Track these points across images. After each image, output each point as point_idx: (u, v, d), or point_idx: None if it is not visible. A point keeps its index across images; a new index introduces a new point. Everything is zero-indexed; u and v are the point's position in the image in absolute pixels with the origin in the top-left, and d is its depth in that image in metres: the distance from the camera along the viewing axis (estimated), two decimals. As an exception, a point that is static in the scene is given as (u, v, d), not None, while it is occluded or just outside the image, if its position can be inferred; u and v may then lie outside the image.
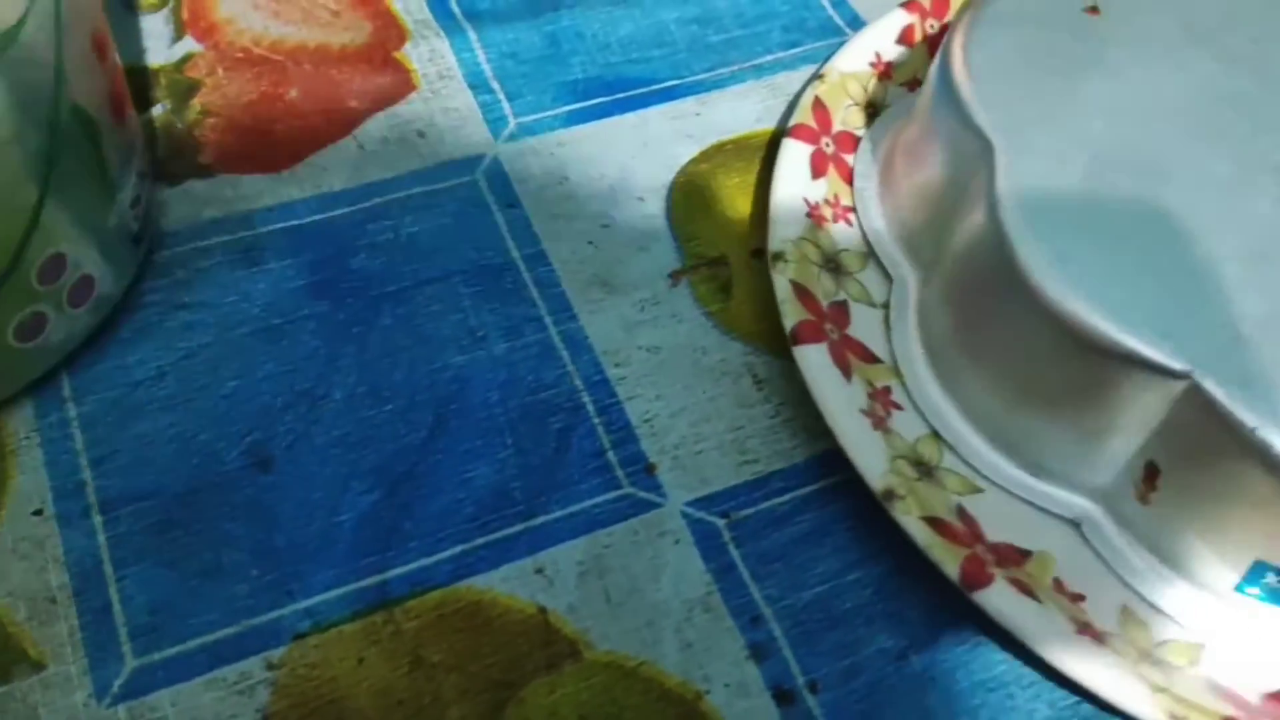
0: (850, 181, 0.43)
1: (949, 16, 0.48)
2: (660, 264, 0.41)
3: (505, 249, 0.41)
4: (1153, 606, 0.33)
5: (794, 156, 0.42)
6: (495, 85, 0.45)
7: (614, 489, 0.36)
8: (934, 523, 0.34)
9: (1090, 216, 0.33)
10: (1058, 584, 0.34)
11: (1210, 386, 0.29)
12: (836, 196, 0.42)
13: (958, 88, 0.36)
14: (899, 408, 0.37)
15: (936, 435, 0.36)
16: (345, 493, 0.35)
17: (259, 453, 0.36)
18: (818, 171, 0.42)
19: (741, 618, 0.34)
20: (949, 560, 0.33)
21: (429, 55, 0.46)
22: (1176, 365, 0.30)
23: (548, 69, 0.46)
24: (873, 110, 0.45)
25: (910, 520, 0.33)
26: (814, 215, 0.41)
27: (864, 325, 0.39)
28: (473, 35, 0.46)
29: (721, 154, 0.44)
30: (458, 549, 0.34)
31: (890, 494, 0.34)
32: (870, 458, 0.35)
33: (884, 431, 0.35)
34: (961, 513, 0.35)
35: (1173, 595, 0.33)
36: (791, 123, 0.42)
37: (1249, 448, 0.28)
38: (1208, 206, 0.33)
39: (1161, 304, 0.31)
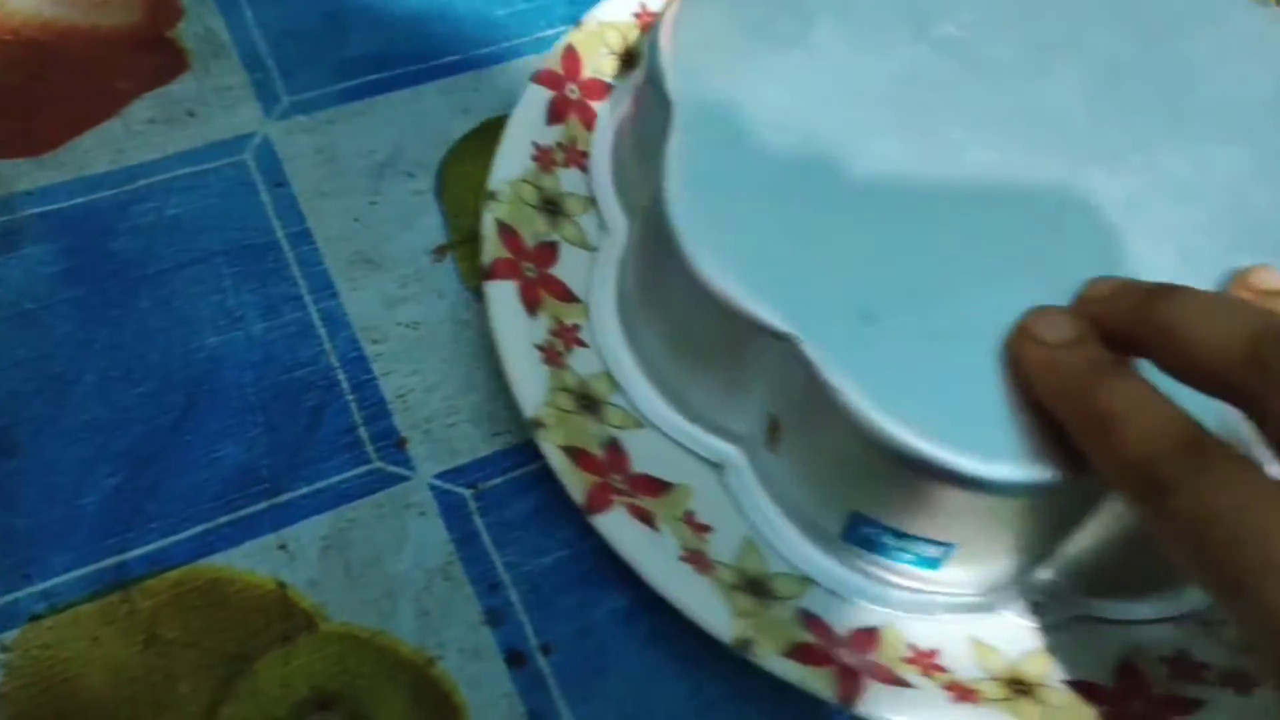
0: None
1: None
2: (426, 240, 0.42)
3: (270, 228, 0.41)
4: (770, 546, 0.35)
5: (532, 100, 0.43)
6: (270, 63, 0.45)
7: (363, 464, 0.37)
8: (574, 452, 0.35)
9: (750, 186, 0.34)
10: (689, 516, 0.35)
11: (809, 350, 0.31)
12: (574, 141, 0.42)
13: (660, 54, 0.37)
14: (583, 344, 0.38)
15: (610, 375, 0.38)
16: (90, 475, 0.36)
17: (4, 438, 0.36)
18: (556, 116, 0.42)
19: (480, 585, 0.35)
20: (576, 486, 0.34)
21: (203, 33, 0.46)
22: (783, 329, 0.31)
23: (325, 45, 0.46)
24: (630, 59, 0.45)
25: (549, 448, 0.35)
26: (540, 158, 0.42)
27: (571, 266, 0.40)
28: (249, 13, 0.46)
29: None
30: (200, 528, 0.35)
31: (538, 423, 0.35)
32: (529, 389, 0.36)
33: (556, 366, 0.37)
34: (614, 445, 0.36)
35: (789, 538, 0.35)
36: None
37: (839, 409, 0.30)
38: (873, 183, 0.34)
39: (795, 272, 0.32)
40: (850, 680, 0.32)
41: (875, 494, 0.32)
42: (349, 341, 0.39)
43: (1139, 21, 0.39)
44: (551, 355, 0.37)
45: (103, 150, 0.42)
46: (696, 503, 0.36)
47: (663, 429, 0.37)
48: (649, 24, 0.46)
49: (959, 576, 0.34)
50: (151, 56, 0.44)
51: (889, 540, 0.33)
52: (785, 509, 0.35)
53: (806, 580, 0.35)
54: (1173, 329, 0.27)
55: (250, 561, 0.35)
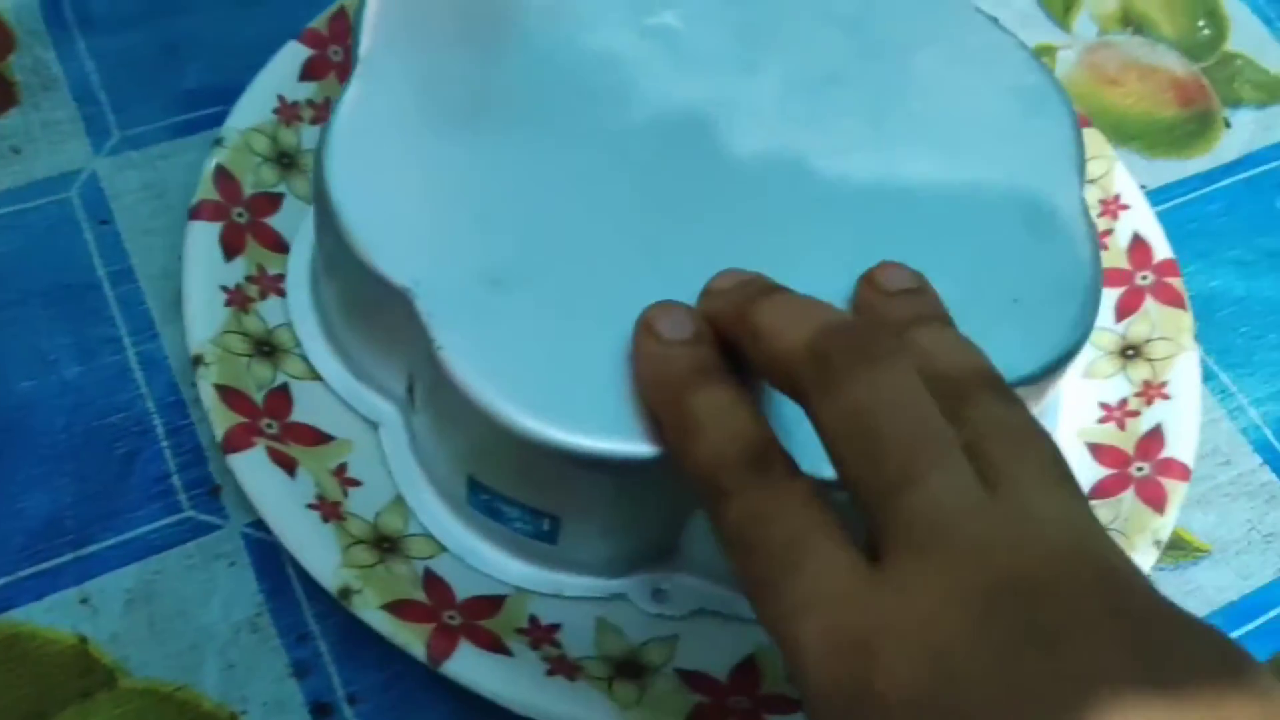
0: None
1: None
2: (254, 279, 0.41)
3: (91, 267, 0.41)
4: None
5: (287, 56, 0.43)
6: (102, 96, 0.45)
7: (175, 513, 0.37)
8: (229, 393, 0.36)
9: (415, 145, 0.34)
10: (340, 469, 0.37)
11: (418, 303, 0.31)
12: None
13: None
14: (282, 294, 0.39)
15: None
16: (-114, 527, 0.35)
17: None
18: (311, 74, 0.42)
19: (289, 636, 0.35)
20: (219, 424, 0.35)
21: (33, 66, 0.45)
22: (403, 284, 0.32)
23: (161, 77, 0.45)
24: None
25: (202, 384, 0.36)
26: (283, 111, 0.42)
27: (294, 219, 0.41)
28: (82, 44, 0.46)
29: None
30: (1, 581, 0.35)
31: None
32: (199, 327, 0.37)
33: (240, 309, 0.38)
34: (281, 392, 0.37)
35: (428, 501, 0.36)
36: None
37: (440, 364, 0.30)
38: (538, 158, 0.35)
39: (433, 232, 0.33)
40: (443, 641, 0.33)
41: (485, 460, 0.33)
42: (167, 385, 0.39)
43: (866, 31, 0.39)
44: (238, 298, 0.38)
45: (-80, 188, 0.41)
46: (353, 459, 0.37)
47: (328, 381, 0.38)
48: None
49: (582, 555, 0.35)
50: (-22, 90, 0.44)
51: (503, 507, 0.34)
52: (426, 471, 0.36)
53: (441, 546, 0.36)
54: (758, 328, 0.27)
55: (51, 616, 0.34)
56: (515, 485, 0.33)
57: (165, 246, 0.41)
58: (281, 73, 0.43)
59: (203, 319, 0.37)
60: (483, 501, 0.34)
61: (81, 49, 0.46)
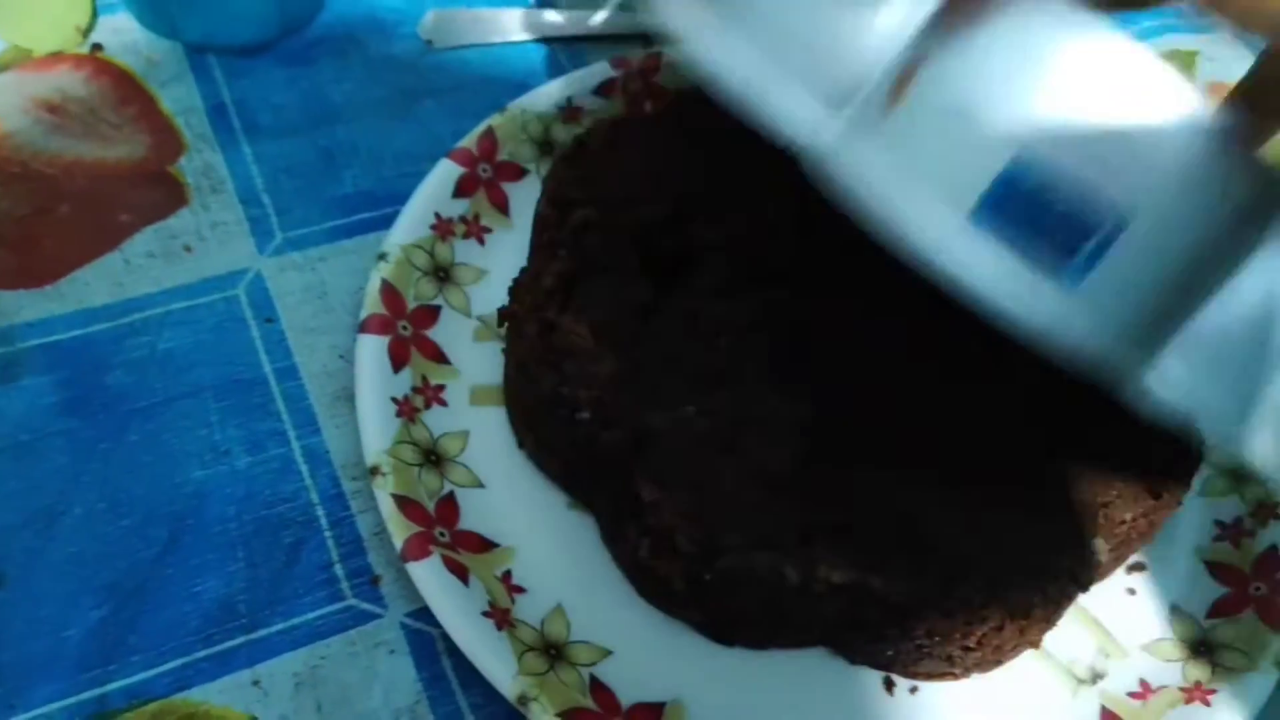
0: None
1: (658, 77, 0.51)
2: (407, 379, 0.44)
3: (258, 363, 0.43)
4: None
5: (441, 174, 0.46)
6: (265, 199, 0.48)
7: (338, 601, 0.39)
8: (404, 502, 0.38)
9: None
10: (506, 576, 0.39)
11: None
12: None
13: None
14: (444, 404, 0.42)
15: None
16: (75, 608, 0.37)
17: (-7, 570, 0.37)
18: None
19: (447, 724, 0.37)
20: (398, 532, 0.37)
21: (203, 169, 0.48)
22: None
23: (319, 183, 0.48)
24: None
25: (380, 494, 0.38)
26: (439, 228, 0.45)
27: (450, 330, 0.44)
28: (248, 149, 0.49)
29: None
30: (179, 662, 0.37)
31: (375, 470, 0.38)
32: (374, 438, 0.39)
33: (408, 420, 0.40)
34: (449, 500, 0.40)
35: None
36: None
37: None
38: None
39: None
40: None
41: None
42: (329, 478, 0.41)
43: None
44: (407, 409, 0.40)
45: (102, 282, 0.44)
46: (517, 564, 0.39)
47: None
48: (574, 117, 0.49)
49: None
50: (153, 190, 0.47)
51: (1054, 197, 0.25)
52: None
53: (604, 650, 0.38)
54: None
55: (225, 696, 0.36)
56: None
57: (326, 346, 0.44)
58: (436, 190, 0.46)
59: (377, 429, 0.40)
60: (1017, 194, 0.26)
61: (247, 154, 0.49)
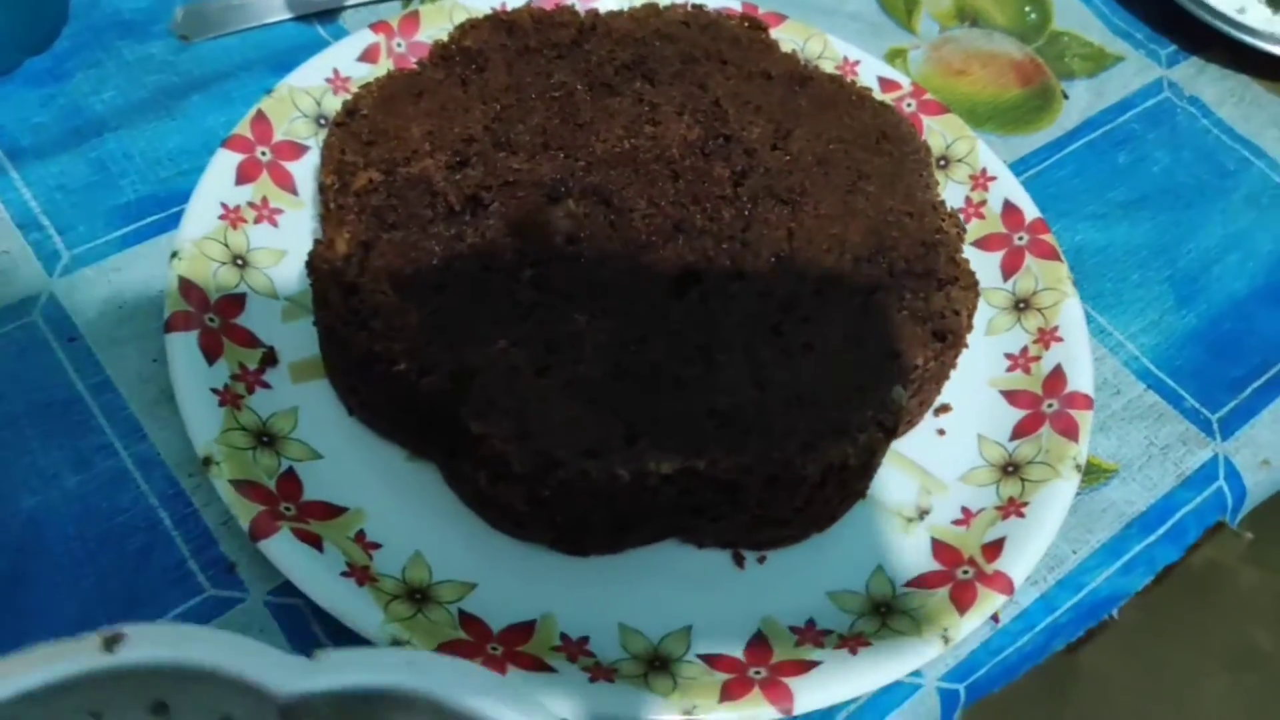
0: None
1: (418, 34, 0.53)
2: (225, 368, 0.44)
3: (69, 382, 0.43)
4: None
5: (220, 165, 0.46)
6: (45, 221, 0.47)
7: (197, 594, 0.39)
8: (244, 485, 0.39)
9: None
10: (360, 535, 0.40)
11: None
12: (265, 199, 0.47)
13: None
14: (266, 385, 0.43)
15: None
16: (-74, 657, 0.37)
17: None
18: (246, 177, 0.47)
19: (327, 687, 0.38)
20: (243, 515, 0.38)
21: (-29, 203, 0.47)
22: None
23: (98, 195, 0.48)
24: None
25: (218, 483, 0.39)
26: (229, 216, 0.46)
27: (259, 315, 0.44)
28: (15, 175, 0.48)
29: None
30: (46, 686, 0.37)
31: (208, 460, 0.39)
32: (201, 430, 0.40)
33: (233, 407, 0.41)
34: (290, 476, 0.41)
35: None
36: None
37: None
38: None
39: None
40: (494, 669, 0.36)
41: None
42: (165, 479, 0.41)
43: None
44: (229, 397, 0.41)
45: (-113, 336, 0.43)
46: (369, 524, 0.41)
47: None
48: (343, 87, 0.50)
49: None
50: (-77, 233, 0.45)
51: None
52: None
53: (468, 585, 0.40)
54: None
55: (101, 709, 0.36)
56: None
57: (136, 353, 0.44)
58: (218, 180, 0.46)
59: (202, 422, 0.40)
60: None
61: (15, 180, 0.48)
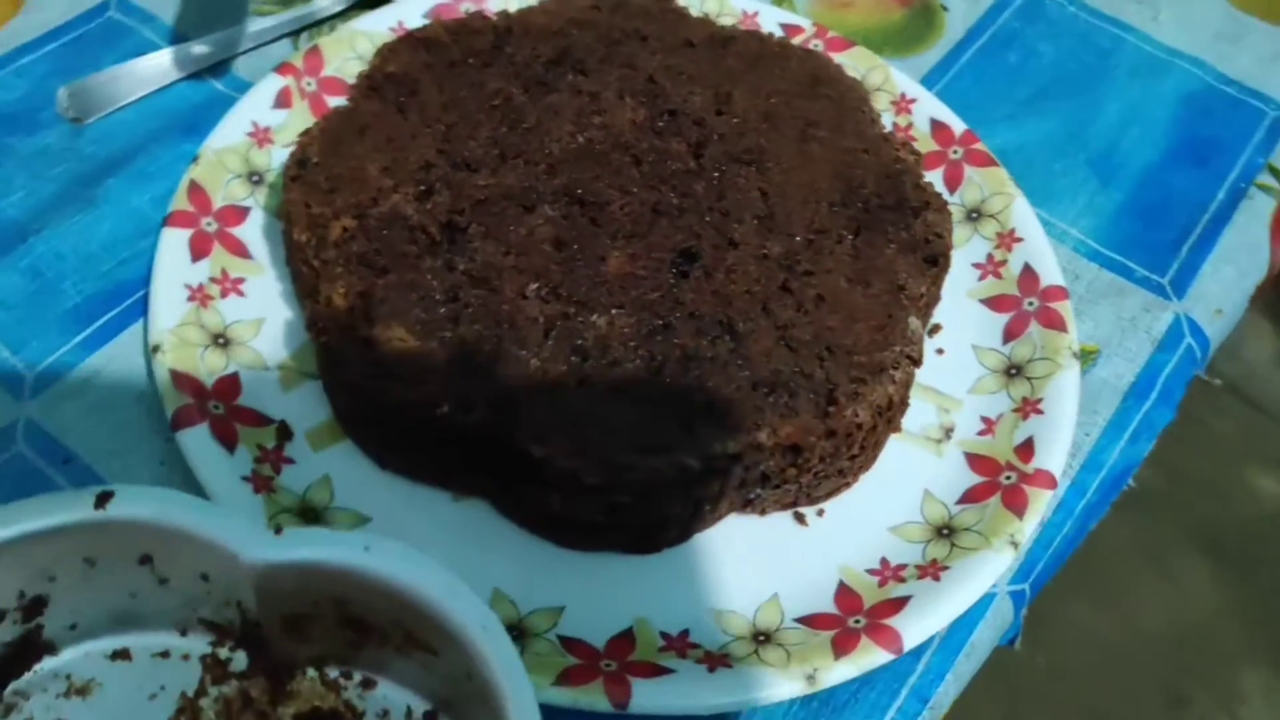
0: (242, 253, 0.46)
1: (325, 69, 0.51)
2: (238, 452, 0.42)
3: (79, 507, 0.40)
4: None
5: (169, 246, 0.45)
6: (-6, 344, 0.44)
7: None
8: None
9: None
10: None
11: None
12: (225, 271, 0.45)
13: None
14: (290, 461, 0.42)
15: (327, 479, 0.41)
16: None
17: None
18: (199, 253, 0.45)
19: None
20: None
21: (-91, 344, 0.43)
22: None
23: (42, 305, 0.45)
24: (258, 178, 0.48)
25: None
26: (196, 297, 0.44)
27: (257, 391, 0.43)
28: (-51, 303, 0.44)
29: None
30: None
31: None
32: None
33: (267, 492, 0.40)
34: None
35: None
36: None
37: None
38: None
39: None
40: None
41: None
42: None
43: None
44: (261, 482, 0.40)
45: None
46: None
47: None
48: (266, 138, 0.49)
49: None
50: None
51: None
52: None
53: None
54: None
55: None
56: None
57: (142, 461, 0.42)
58: (173, 261, 0.44)
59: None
60: None
61: (-50, 308, 0.44)
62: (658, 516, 0.40)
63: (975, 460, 0.45)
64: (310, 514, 0.40)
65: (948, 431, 0.46)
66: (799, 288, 0.43)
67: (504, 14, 0.51)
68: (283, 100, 0.50)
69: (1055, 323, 0.47)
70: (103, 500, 0.30)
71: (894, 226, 0.45)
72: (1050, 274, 0.49)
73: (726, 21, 0.56)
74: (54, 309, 0.45)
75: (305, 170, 0.44)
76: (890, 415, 0.42)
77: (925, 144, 0.53)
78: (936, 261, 0.45)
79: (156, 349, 0.41)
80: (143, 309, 0.45)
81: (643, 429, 0.38)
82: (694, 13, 0.54)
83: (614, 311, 0.41)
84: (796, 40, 0.56)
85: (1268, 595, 0.91)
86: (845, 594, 0.41)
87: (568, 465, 0.37)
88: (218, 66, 0.53)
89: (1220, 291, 0.53)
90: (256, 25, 0.54)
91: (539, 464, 0.38)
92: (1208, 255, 0.54)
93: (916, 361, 0.43)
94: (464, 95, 0.47)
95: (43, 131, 0.50)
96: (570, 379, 0.39)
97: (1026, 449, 0.44)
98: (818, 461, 0.40)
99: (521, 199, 0.44)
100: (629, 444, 0.38)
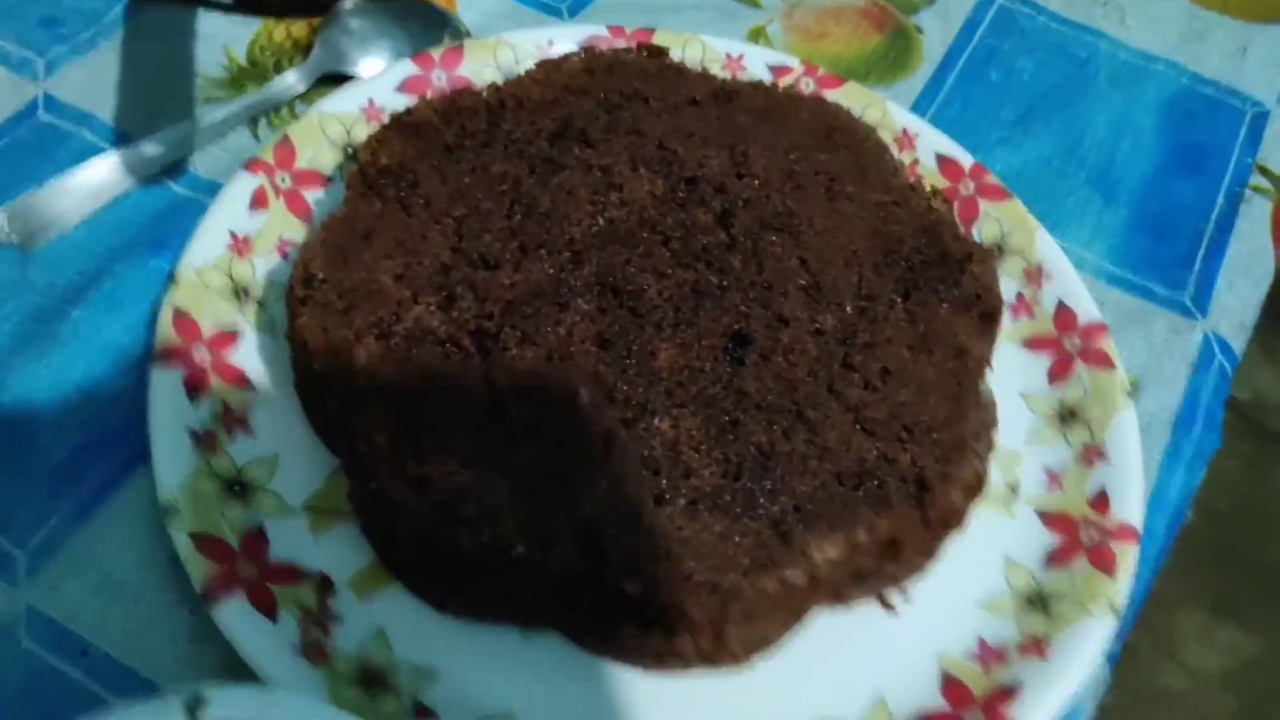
0: (241, 382, 0.41)
1: (297, 162, 0.47)
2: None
3: (92, 696, 0.35)
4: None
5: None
6: (-26, 522, 0.38)
7: None
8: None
9: None
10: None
11: None
12: (226, 405, 0.40)
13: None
14: (338, 618, 0.37)
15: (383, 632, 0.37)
16: None
17: None
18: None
19: None
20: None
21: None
22: None
23: (22, 466, 0.39)
24: (244, 293, 0.43)
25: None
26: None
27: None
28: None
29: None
30: None
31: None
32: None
33: (323, 661, 0.36)
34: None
35: None
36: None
37: None
38: None
39: None
40: None
41: None
42: None
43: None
44: (313, 650, 0.36)
45: None
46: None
47: None
48: (245, 248, 0.44)
49: None
50: None
51: None
52: None
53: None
54: None
55: None
56: None
57: (167, 639, 0.37)
58: (168, 403, 0.39)
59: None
60: None
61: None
62: (763, 631, 0.37)
63: (1050, 519, 0.43)
64: (372, 678, 0.36)
65: (1013, 489, 0.44)
66: (862, 363, 0.40)
67: (494, 87, 0.47)
68: (258, 201, 0.45)
69: (1101, 361, 0.46)
70: (195, 706, 0.24)
71: (943, 284, 0.43)
72: (1087, 310, 0.47)
73: (713, 68, 0.53)
74: (35, 470, 0.39)
75: (313, 289, 0.39)
76: (978, 490, 0.39)
77: (935, 179, 0.51)
78: (993, 317, 0.43)
79: (170, 511, 0.37)
80: (139, 458, 0.40)
81: (737, 545, 0.35)
82: (678, 62, 0.51)
83: (675, 412, 0.38)
84: (786, 80, 0.53)
85: None
86: (952, 685, 0.39)
87: (669, 600, 0.34)
88: (172, 166, 0.47)
89: (1238, 304, 0.53)
90: (209, 116, 0.49)
91: (636, 602, 0.34)
92: (1219, 266, 0.53)
93: (992, 427, 0.40)
94: (468, 183, 0.43)
95: (-14, 262, 0.44)
96: (647, 499, 0.36)
97: (1101, 502, 0.42)
98: (913, 555, 0.38)
99: (553, 296, 0.40)
100: (727, 565, 0.35)
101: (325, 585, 0.38)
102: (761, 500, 0.36)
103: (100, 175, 0.46)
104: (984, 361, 0.42)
